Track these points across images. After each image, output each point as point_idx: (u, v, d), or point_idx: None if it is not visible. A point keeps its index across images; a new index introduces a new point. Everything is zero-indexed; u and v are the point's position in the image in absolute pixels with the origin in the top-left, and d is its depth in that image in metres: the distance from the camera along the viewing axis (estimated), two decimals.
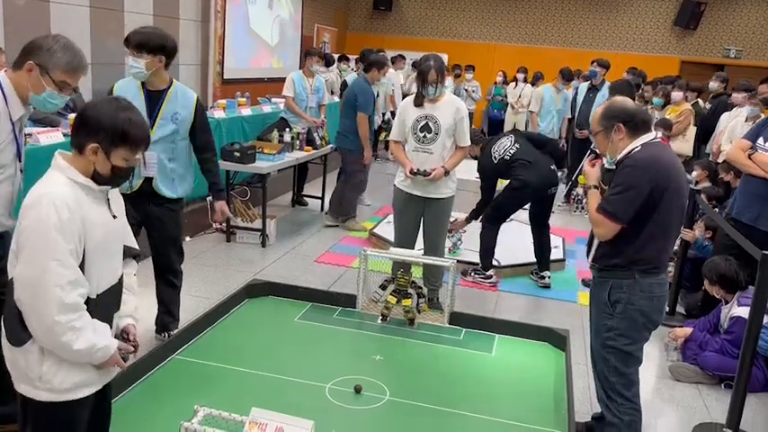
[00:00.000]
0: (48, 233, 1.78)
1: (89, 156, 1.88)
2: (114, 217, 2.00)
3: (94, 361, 1.93)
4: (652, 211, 2.63)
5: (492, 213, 5.26)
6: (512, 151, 5.16)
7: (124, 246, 2.09)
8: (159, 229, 3.70)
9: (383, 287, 4.18)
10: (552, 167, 5.28)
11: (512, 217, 7.30)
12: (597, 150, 5.63)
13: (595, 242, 2.84)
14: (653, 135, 2.75)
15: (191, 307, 4.33)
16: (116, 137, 1.88)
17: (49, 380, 1.88)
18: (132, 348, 2.07)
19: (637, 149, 2.69)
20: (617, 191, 2.64)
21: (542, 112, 7.93)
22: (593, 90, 7.99)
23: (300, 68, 7.47)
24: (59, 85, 2.44)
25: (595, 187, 2.82)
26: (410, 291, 4.13)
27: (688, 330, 4.18)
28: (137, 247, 2.19)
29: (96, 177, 1.91)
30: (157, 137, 3.49)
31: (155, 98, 3.50)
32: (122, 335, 2.09)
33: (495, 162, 5.15)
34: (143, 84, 3.49)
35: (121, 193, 3.33)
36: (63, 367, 1.89)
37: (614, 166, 2.77)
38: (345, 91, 6.64)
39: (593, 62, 8.03)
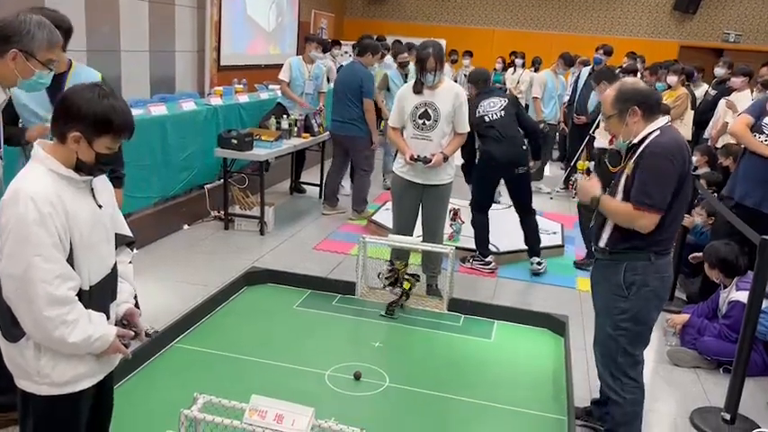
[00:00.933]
0: (28, 229, 1.74)
1: (71, 145, 1.82)
2: (100, 207, 1.95)
3: (94, 351, 1.91)
4: (677, 194, 2.65)
5: (473, 199, 5.26)
6: (493, 117, 5.04)
7: (116, 234, 2.05)
8: None
9: (392, 283, 4.16)
10: (524, 148, 5.17)
11: (509, 204, 7.33)
12: (597, 135, 5.65)
13: (608, 227, 2.79)
14: (666, 119, 2.74)
15: (189, 295, 4.32)
16: (99, 125, 1.82)
17: (48, 374, 1.86)
18: (132, 333, 2.05)
19: (656, 134, 2.67)
20: (651, 180, 2.60)
21: (545, 97, 7.89)
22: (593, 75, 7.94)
23: (298, 54, 7.42)
24: (46, 64, 2.42)
25: (600, 197, 2.77)
26: (407, 277, 4.17)
27: (685, 317, 4.18)
28: (130, 234, 2.15)
29: (80, 166, 1.86)
30: None
31: (55, 84, 3.01)
32: (123, 321, 2.08)
33: (476, 116, 5.01)
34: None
35: None
36: (61, 360, 1.87)
37: (618, 152, 2.78)
38: (343, 77, 6.50)
39: (598, 49, 7.96)
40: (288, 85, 6.66)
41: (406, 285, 4.09)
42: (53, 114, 1.86)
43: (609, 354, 2.88)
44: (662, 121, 2.72)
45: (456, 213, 5.80)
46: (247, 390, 2.14)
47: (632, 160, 2.69)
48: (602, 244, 2.83)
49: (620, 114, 2.72)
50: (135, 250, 2.22)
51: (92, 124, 1.82)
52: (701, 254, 4.32)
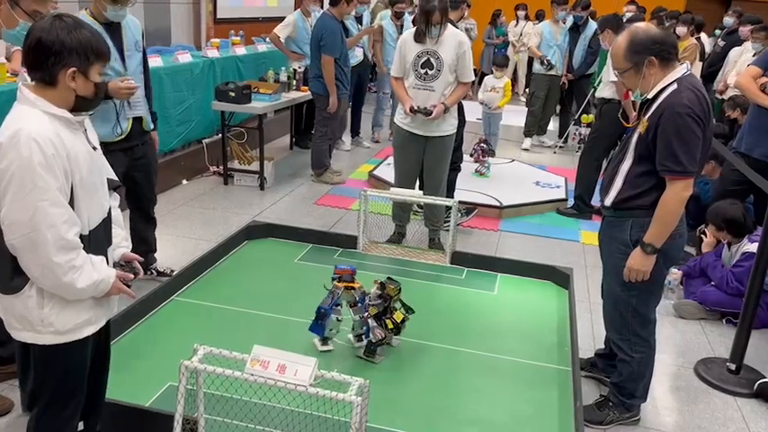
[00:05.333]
0: (33, 173, 1.67)
1: (68, 83, 1.76)
2: (94, 149, 1.90)
3: (97, 294, 1.88)
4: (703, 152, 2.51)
5: None
6: None
7: (107, 178, 2.01)
8: (147, 168, 3.63)
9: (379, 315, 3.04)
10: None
11: (513, 158, 7.25)
12: (600, 94, 5.52)
13: (616, 184, 2.65)
14: (685, 67, 2.54)
15: (189, 249, 4.28)
16: (90, 53, 1.77)
17: (52, 322, 1.83)
18: (132, 276, 2.03)
19: (673, 88, 2.47)
20: (677, 145, 2.42)
21: (542, 47, 7.70)
22: (575, 29, 7.71)
23: (297, 8, 7.23)
24: (32, 15, 2.32)
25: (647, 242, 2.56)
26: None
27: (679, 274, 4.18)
28: (116, 178, 2.11)
29: (80, 105, 1.80)
30: (131, 70, 3.35)
31: (114, 30, 3.27)
32: (120, 264, 2.05)
33: None
34: (93, 17, 3.24)
35: (111, 142, 3.26)
36: (65, 308, 1.84)
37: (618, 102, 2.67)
38: (312, 31, 6.07)
39: (575, 6, 7.70)
40: (278, 38, 6.51)
41: (398, 317, 3.03)
42: (31, 61, 1.76)
43: (618, 313, 2.79)
44: (680, 70, 2.52)
45: (484, 151, 6.34)
46: (248, 342, 2.10)
47: (646, 117, 2.52)
48: (608, 202, 2.70)
49: (636, 67, 2.51)
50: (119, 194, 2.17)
51: (83, 54, 1.76)
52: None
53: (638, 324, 2.76)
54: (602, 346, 3.21)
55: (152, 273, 3.81)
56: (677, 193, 2.47)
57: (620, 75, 2.61)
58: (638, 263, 2.58)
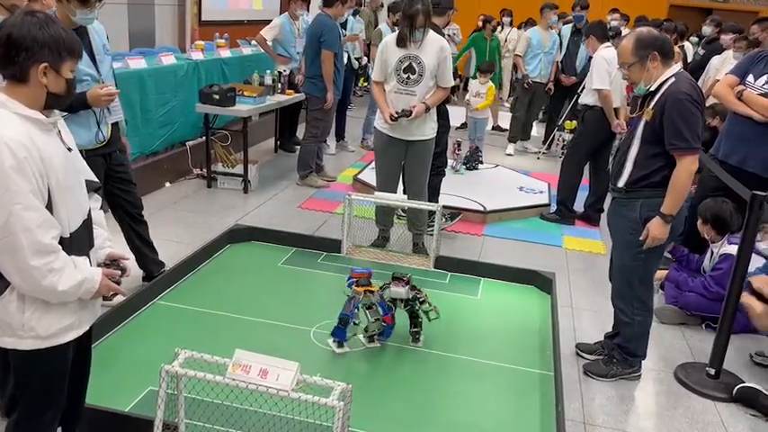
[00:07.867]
0: (5, 176, 1.65)
1: (40, 79, 1.73)
2: (69, 150, 1.88)
3: (83, 295, 1.85)
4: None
5: None
6: None
7: (85, 180, 1.98)
8: (128, 177, 3.53)
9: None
10: None
11: (498, 163, 7.29)
12: (583, 100, 5.57)
13: (627, 168, 3.01)
14: (679, 65, 2.95)
15: (172, 252, 4.24)
16: (62, 49, 1.75)
17: (33, 327, 1.80)
18: (119, 273, 2.01)
19: (672, 81, 2.87)
20: (681, 124, 2.81)
21: (528, 55, 7.75)
22: (577, 34, 7.78)
23: (282, 11, 7.23)
24: (10, 9, 2.29)
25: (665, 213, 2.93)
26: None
27: (665, 272, 4.20)
28: (96, 179, 2.08)
29: (51, 101, 1.78)
30: (104, 74, 3.26)
31: (81, 35, 3.11)
32: (106, 262, 2.03)
33: None
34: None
35: (91, 149, 3.19)
36: (47, 312, 1.81)
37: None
38: (307, 33, 6.08)
39: (574, 7, 7.76)
40: (264, 41, 6.51)
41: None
42: (1, 57, 1.72)
43: (627, 280, 3.16)
44: (676, 67, 2.91)
45: (459, 144, 6.53)
46: (230, 347, 2.09)
47: (651, 107, 2.88)
48: (620, 184, 3.05)
49: (642, 61, 2.90)
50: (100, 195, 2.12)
51: (55, 49, 1.74)
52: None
53: (643, 290, 3.15)
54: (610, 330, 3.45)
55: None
56: (686, 168, 2.86)
57: (626, 69, 2.97)
58: (659, 231, 2.93)
